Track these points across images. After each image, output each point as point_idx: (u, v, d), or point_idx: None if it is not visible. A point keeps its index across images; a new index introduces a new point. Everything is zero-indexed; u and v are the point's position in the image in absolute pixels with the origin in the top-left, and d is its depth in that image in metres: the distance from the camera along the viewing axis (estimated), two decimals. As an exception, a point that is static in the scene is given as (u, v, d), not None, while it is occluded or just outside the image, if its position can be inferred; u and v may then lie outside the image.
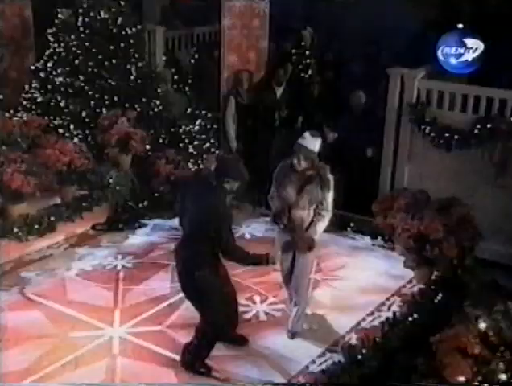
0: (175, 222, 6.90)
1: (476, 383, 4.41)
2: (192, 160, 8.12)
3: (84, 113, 8.26)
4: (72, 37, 8.40)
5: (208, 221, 4.61)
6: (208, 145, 8.44)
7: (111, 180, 7.61)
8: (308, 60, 9.45)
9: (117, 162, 7.78)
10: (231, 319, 5.11)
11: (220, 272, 4.87)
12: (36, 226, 6.82)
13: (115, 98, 8.28)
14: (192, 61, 10.01)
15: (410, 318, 5.74)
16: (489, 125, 6.85)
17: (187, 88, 9.56)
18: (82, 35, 8.36)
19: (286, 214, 5.23)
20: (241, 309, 5.87)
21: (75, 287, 6.26)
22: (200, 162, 8.11)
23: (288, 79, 8.75)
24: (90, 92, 8.29)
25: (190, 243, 4.76)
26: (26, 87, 8.69)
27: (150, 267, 6.68)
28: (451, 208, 6.53)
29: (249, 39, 8.94)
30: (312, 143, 5.20)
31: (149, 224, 7.74)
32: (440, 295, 6.06)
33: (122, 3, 8.43)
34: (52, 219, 6.96)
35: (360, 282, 6.46)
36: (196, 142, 8.39)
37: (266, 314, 5.97)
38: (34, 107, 8.62)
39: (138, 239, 7.40)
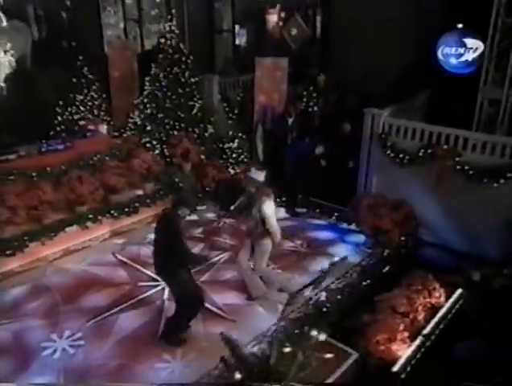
0: (217, 208, 6.96)
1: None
2: (230, 167, 8.11)
3: (162, 134, 8.36)
4: (157, 84, 8.49)
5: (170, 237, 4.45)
6: (242, 157, 8.39)
7: (176, 179, 7.59)
8: (316, 100, 9.19)
9: (181, 168, 7.80)
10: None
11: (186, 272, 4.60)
12: (126, 209, 6.89)
13: (182, 124, 8.32)
14: (238, 98, 9.88)
15: (364, 283, 5.65)
16: (429, 150, 6.63)
17: (234, 117, 9.51)
18: (163, 83, 8.42)
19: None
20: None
21: (146, 252, 6.20)
22: (235, 168, 8.05)
23: (298, 112, 8.55)
24: (166, 120, 8.34)
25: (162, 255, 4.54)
26: (131, 114, 8.86)
27: (194, 239, 6.60)
28: (399, 207, 6.33)
29: (273, 84, 8.77)
30: (257, 175, 4.97)
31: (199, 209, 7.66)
32: (387, 268, 5.92)
33: (189, 61, 8.44)
34: (137, 205, 7.02)
35: (334, 255, 6.26)
36: (234, 155, 8.34)
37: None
38: (134, 128, 8.79)
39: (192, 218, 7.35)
